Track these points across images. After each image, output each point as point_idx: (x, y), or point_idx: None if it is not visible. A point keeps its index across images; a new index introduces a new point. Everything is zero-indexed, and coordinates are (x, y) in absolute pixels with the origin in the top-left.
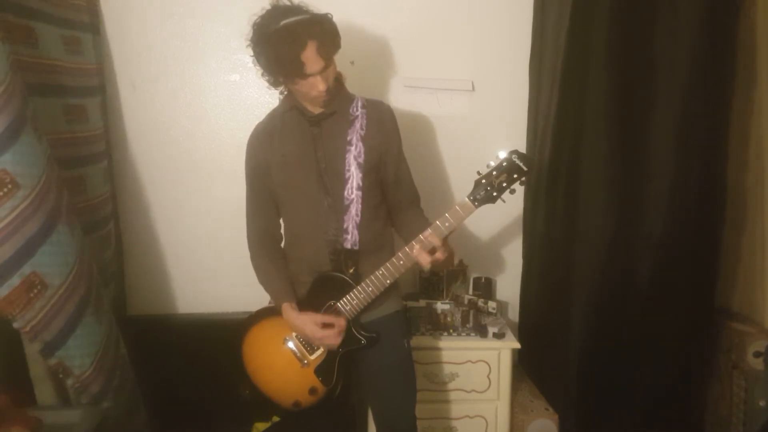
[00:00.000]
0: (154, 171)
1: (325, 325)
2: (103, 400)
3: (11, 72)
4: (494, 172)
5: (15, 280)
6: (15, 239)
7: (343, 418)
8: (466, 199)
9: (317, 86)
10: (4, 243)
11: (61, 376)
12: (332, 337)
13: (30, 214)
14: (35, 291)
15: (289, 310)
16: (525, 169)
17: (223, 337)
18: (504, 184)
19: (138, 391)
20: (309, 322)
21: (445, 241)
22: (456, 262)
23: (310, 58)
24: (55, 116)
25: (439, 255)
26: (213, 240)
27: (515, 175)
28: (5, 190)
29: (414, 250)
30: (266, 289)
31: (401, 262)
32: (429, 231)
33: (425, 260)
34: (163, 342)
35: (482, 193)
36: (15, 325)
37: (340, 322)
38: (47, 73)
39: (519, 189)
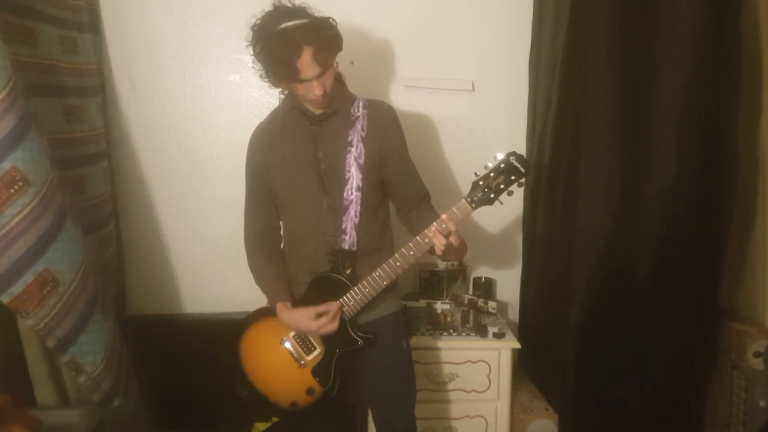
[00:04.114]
0: (154, 171)
1: (319, 315)
2: (115, 397)
3: (14, 72)
4: (492, 174)
5: (29, 277)
6: (28, 236)
7: (343, 419)
8: (464, 201)
9: (314, 90)
10: (17, 240)
11: (74, 373)
12: (328, 324)
13: (41, 212)
14: (48, 288)
15: (283, 310)
16: (523, 170)
17: (223, 337)
18: (501, 186)
19: (139, 391)
20: (302, 316)
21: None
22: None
23: (306, 64)
24: (54, 116)
25: (453, 239)
26: (213, 240)
27: (513, 177)
28: (16, 187)
29: (430, 232)
30: (262, 290)
31: (398, 264)
32: (446, 216)
33: (440, 242)
34: (163, 342)
35: (479, 195)
36: (29, 322)
37: (332, 307)
38: (47, 73)
39: (518, 190)
